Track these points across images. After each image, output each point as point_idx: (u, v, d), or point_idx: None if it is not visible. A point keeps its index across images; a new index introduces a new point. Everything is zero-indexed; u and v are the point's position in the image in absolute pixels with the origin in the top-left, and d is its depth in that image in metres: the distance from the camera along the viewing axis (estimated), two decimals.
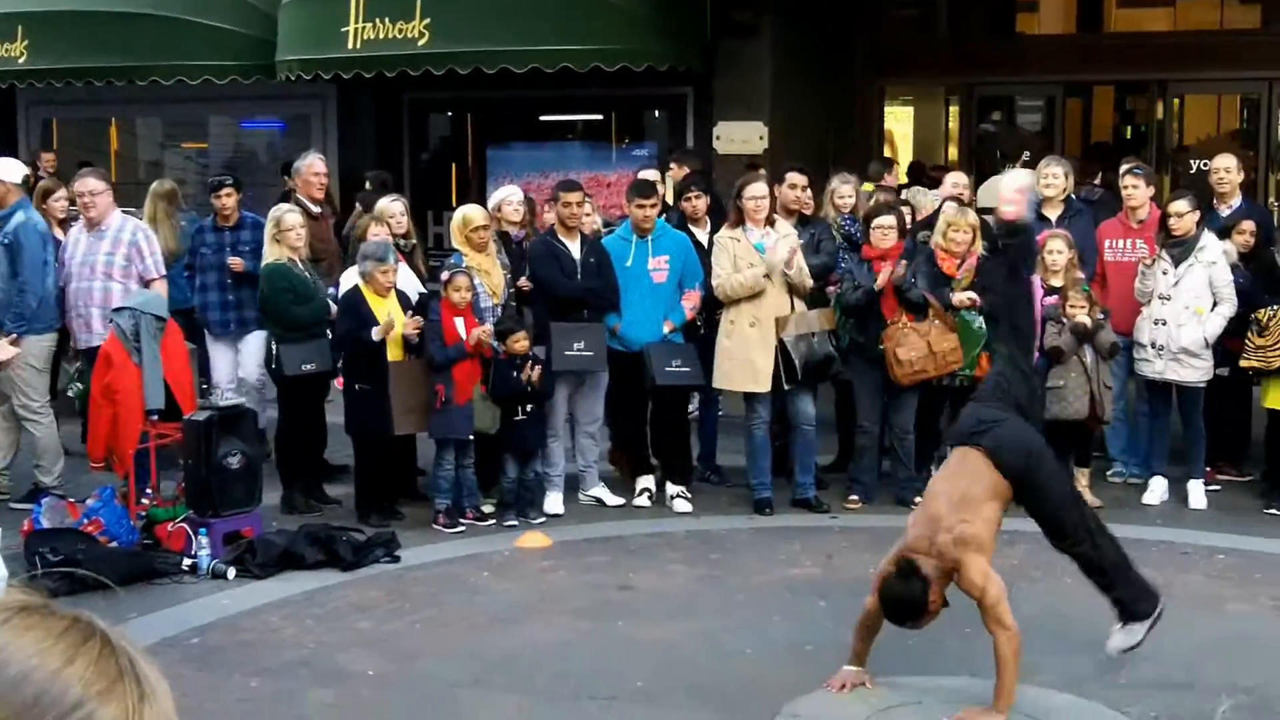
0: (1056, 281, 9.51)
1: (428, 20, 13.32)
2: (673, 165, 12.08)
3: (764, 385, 9.57)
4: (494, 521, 9.45)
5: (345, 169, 15.09)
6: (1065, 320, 9.30)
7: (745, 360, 9.59)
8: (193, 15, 14.63)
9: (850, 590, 7.98)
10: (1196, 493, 9.72)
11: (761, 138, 14.05)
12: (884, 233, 9.69)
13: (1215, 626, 7.45)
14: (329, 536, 8.64)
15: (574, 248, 9.73)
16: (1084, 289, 9.41)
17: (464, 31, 13.35)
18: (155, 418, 9.07)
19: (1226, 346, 9.66)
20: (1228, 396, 10.03)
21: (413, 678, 6.80)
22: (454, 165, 16.72)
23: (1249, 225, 10.06)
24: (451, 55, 13.33)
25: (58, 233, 10.92)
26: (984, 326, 9.78)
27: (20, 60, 15.22)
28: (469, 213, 9.94)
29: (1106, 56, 15.79)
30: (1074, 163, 11.30)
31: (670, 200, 11.15)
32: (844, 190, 10.62)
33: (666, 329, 9.74)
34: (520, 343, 9.25)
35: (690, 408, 10.61)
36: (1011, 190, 6.93)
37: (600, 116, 15.98)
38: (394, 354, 9.25)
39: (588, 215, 10.28)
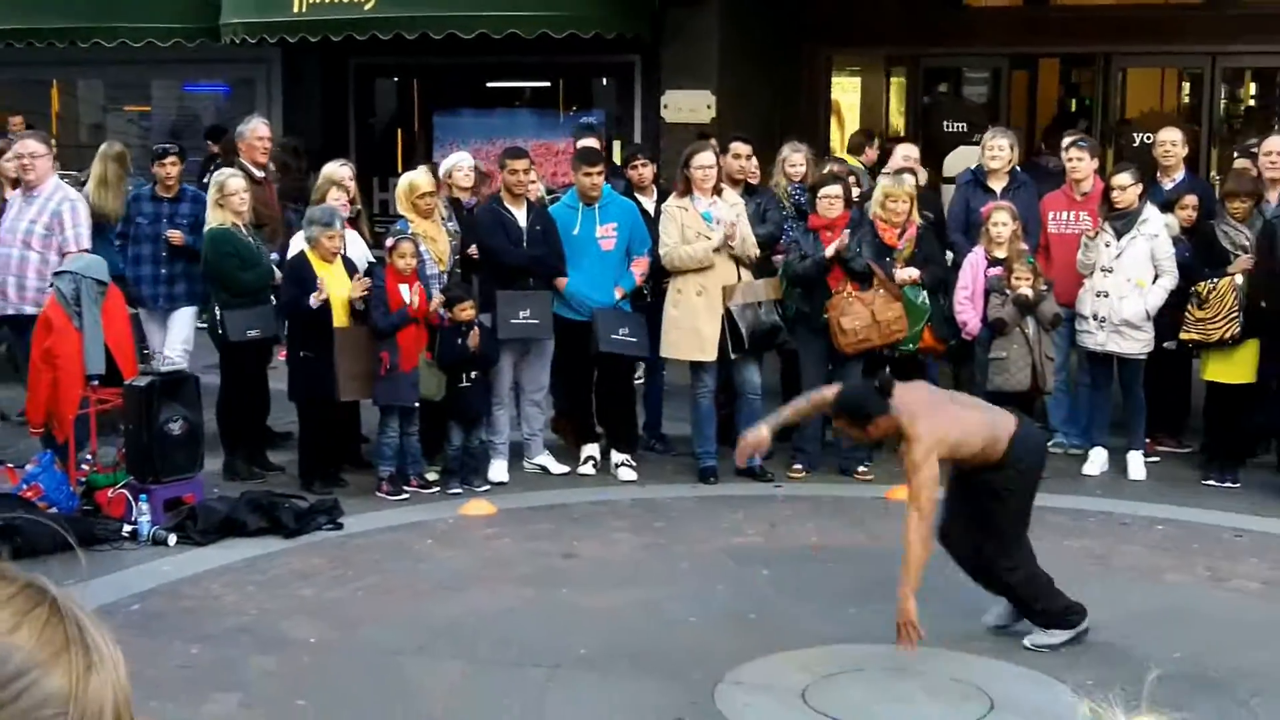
0: (1000, 253, 9.55)
1: None
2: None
3: (710, 354, 9.58)
4: (438, 489, 9.44)
5: (290, 134, 14.94)
6: (1008, 292, 9.35)
7: (691, 329, 9.59)
8: None
9: (793, 558, 8.06)
10: (1136, 464, 9.82)
11: (709, 107, 14.04)
12: (830, 202, 9.68)
13: (1153, 596, 7.55)
14: (271, 503, 8.59)
15: (520, 215, 9.69)
16: (1029, 261, 9.46)
17: None
18: (96, 383, 8.97)
19: (1171, 319, 9.73)
20: (1167, 368, 10.11)
21: (355, 645, 6.79)
22: (400, 131, 16.62)
23: (1191, 199, 10.15)
24: (398, 20, 13.23)
25: (8, 194, 10.71)
26: (926, 301, 9.84)
27: None
28: (415, 179, 9.86)
29: (1053, 29, 15.87)
30: (1018, 134, 11.35)
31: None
32: (795, 159, 10.61)
33: (618, 295, 9.73)
34: (467, 311, 9.21)
35: (636, 376, 10.61)
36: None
37: (548, 84, 15.93)
38: (339, 320, 9.19)
39: (533, 183, 10.23)
